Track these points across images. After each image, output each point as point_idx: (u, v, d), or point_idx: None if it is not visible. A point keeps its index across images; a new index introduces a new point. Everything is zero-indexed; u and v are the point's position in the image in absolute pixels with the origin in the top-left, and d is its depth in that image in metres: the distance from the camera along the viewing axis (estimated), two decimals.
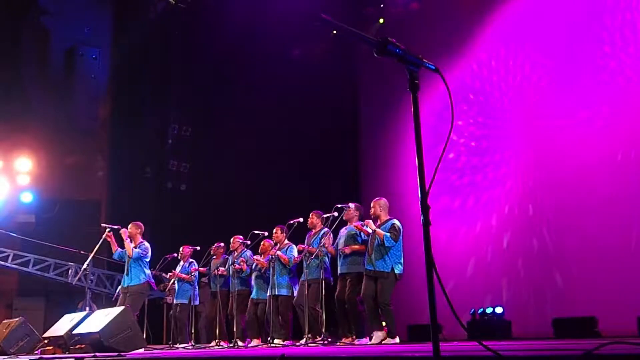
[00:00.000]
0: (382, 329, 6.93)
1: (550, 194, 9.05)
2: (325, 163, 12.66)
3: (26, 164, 12.72)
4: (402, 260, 6.94)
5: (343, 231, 7.50)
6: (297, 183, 12.39)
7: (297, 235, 8.06)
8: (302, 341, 7.33)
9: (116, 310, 7.20)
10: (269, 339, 8.05)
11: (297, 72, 12.41)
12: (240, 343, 8.30)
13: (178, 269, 9.55)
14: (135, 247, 8.53)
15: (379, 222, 7.06)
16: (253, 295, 8.63)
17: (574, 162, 8.72)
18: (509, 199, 9.72)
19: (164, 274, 9.80)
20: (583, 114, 8.67)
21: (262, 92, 12.71)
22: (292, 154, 12.76)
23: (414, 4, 11.77)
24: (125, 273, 8.66)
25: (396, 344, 6.69)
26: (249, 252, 8.86)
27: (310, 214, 7.91)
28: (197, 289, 9.54)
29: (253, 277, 8.69)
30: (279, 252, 8.08)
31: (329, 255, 7.63)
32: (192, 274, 9.35)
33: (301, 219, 7.79)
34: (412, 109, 2.50)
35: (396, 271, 6.86)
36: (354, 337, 7.21)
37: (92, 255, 9.07)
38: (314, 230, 7.88)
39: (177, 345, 9.03)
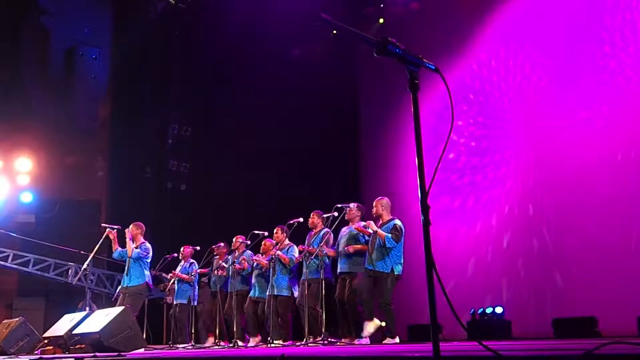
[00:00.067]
0: (372, 319, 6.91)
1: (550, 194, 9.05)
2: (325, 163, 12.66)
3: (26, 164, 12.72)
4: (402, 261, 6.94)
5: (344, 231, 7.50)
6: (297, 183, 12.39)
7: (298, 235, 8.06)
8: (302, 341, 7.33)
9: (116, 310, 7.20)
10: (269, 339, 8.05)
11: (297, 72, 12.41)
12: (240, 343, 8.30)
13: (178, 269, 9.55)
14: (136, 248, 8.53)
15: (380, 222, 7.06)
16: (252, 294, 8.64)
17: (574, 162, 8.71)
18: (509, 199, 9.72)
19: (164, 274, 9.80)
20: (583, 114, 8.67)
21: (262, 92, 12.71)
22: (292, 154, 12.76)
23: (414, 4, 11.77)
24: (125, 273, 8.68)
25: (396, 344, 6.69)
26: (249, 252, 8.88)
27: (311, 214, 7.91)
28: (196, 289, 9.54)
29: (254, 275, 8.70)
30: (279, 252, 8.08)
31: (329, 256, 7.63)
32: (192, 274, 9.35)
33: (301, 219, 7.78)
34: (412, 109, 2.50)
35: (395, 272, 6.86)
36: (354, 336, 7.21)
37: (92, 255, 9.08)
38: (314, 230, 7.88)
39: (177, 345, 9.04)
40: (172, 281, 9.54)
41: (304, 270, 7.64)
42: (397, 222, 6.95)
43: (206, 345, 9.00)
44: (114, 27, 13.79)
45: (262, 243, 8.68)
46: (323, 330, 7.05)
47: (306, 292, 7.39)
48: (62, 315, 8.46)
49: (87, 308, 10.04)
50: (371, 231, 7.00)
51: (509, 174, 9.81)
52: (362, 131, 13.50)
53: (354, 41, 10.97)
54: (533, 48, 9.65)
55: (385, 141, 12.36)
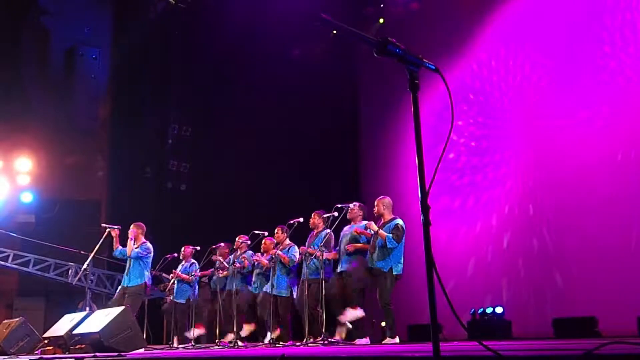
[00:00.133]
0: (355, 308, 6.90)
1: (550, 194, 9.05)
2: (325, 163, 12.67)
3: (26, 164, 12.72)
4: (402, 261, 6.94)
5: (346, 230, 7.49)
6: (297, 183, 12.39)
7: (299, 235, 8.06)
8: (302, 341, 7.32)
9: (116, 310, 7.20)
10: (270, 339, 8.05)
11: (297, 72, 12.42)
12: (240, 343, 8.30)
13: (179, 268, 9.56)
14: (136, 247, 8.54)
15: (382, 221, 7.05)
16: (252, 290, 8.67)
17: (574, 162, 8.72)
18: (509, 199, 9.72)
19: (164, 274, 9.80)
20: (583, 114, 8.67)
21: (262, 92, 12.71)
22: (292, 154, 12.76)
23: (414, 4, 11.77)
24: (125, 273, 8.69)
25: (396, 344, 6.69)
26: (250, 252, 8.88)
27: (312, 214, 7.91)
28: (196, 290, 9.54)
29: (254, 274, 8.71)
30: (279, 252, 8.08)
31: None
32: (193, 274, 9.35)
33: (301, 219, 7.78)
34: (412, 109, 2.50)
35: (394, 272, 6.85)
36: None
37: (92, 255, 9.07)
38: (315, 231, 7.88)
39: (177, 345, 9.04)
40: (172, 281, 9.54)
41: (304, 270, 7.63)
42: (399, 221, 6.93)
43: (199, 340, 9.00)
44: (114, 27, 13.79)
45: (262, 242, 8.68)
46: (323, 330, 7.04)
47: (306, 293, 7.38)
48: (62, 316, 8.46)
49: (87, 308, 10.03)
50: (372, 232, 7.00)
51: (509, 174, 9.81)
52: (362, 131, 13.51)
53: (354, 41, 10.97)
54: (533, 48, 9.65)
55: (385, 141, 12.37)
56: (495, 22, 10.42)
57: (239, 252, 8.92)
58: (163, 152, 13.47)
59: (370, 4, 12.67)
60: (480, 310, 9.28)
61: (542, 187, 9.20)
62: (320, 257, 7.23)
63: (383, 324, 6.99)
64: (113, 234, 8.63)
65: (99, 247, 8.98)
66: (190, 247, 9.61)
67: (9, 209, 12.55)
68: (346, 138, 13.39)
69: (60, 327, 7.94)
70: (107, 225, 8.82)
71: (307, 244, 7.81)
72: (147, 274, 8.65)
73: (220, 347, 8.29)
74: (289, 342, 7.97)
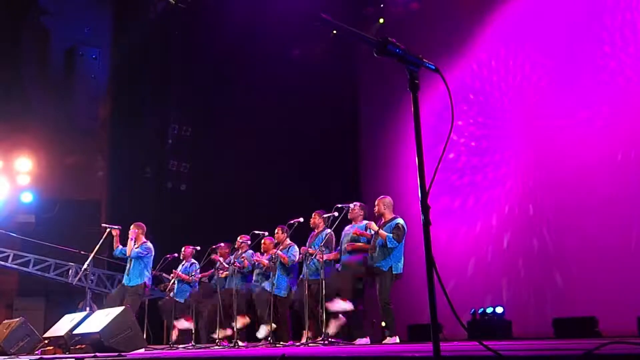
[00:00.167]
0: (345, 300, 6.86)
1: (550, 194, 9.05)
2: (325, 163, 12.67)
3: (26, 164, 12.72)
4: (402, 260, 6.94)
5: (347, 230, 7.49)
6: (297, 183, 12.39)
7: (299, 235, 8.06)
8: (302, 341, 7.33)
9: (116, 310, 7.20)
10: (266, 334, 8.05)
11: (297, 72, 12.42)
12: (240, 343, 8.29)
13: (179, 268, 9.56)
14: (136, 247, 8.55)
15: (383, 221, 7.05)
16: (252, 289, 8.68)
17: (574, 162, 8.72)
18: (509, 199, 9.72)
19: (164, 274, 9.80)
20: (583, 114, 8.67)
21: (262, 92, 12.71)
22: (292, 154, 12.76)
23: (414, 4, 11.77)
24: (125, 273, 8.71)
25: (396, 343, 6.69)
26: (250, 251, 8.88)
27: (313, 214, 7.91)
28: (196, 289, 9.53)
29: (254, 274, 8.71)
30: (279, 252, 8.08)
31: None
32: (193, 274, 9.35)
33: (301, 219, 7.78)
34: (412, 109, 2.50)
35: (394, 271, 6.85)
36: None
37: (92, 255, 9.08)
38: (316, 230, 7.88)
39: (175, 340, 9.06)
40: (172, 281, 9.53)
41: (304, 270, 7.63)
42: (400, 220, 6.93)
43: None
44: (114, 27, 13.79)
45: (262, 242, 8.68)
46: (323, 330, 7.04)
47: (306, 293, 7.38)
48: (63, 316, 8.46)
49: (88, 308, 10.04)
50: (372, 232, 6.99)
51: (509, 174, 9.81)
52: (362, 131, 13.51)
53: (354, 41, 10.97)
54: (533, 48, 9.66)
55: (385, 141, 12.37)
56: (495, 22, 10.42)
57: (240, 252, 8.92)
58: (163, 152, 13.47)
59: (370, 4, 12.67)
60: (480, 310, 9.28)
61: (542, 187, 9.20)
62: (321, 257, 7.23)
63: (383, 324, 6.98)
64: (114, 233, 8.66)
65: (99, 247, 8.99)
66: (191, 247, 9.61)
67: (9, 209, 12.55)
68: (346, 138, 13.39)
69: (61, 327, 7.94)
70: (107, 225, 8.82)
71: (307, 244, 7.81)
72: (147, 274, 8.65)
73: (220, 347, 8.29)
74: (289, 342, 7.97)
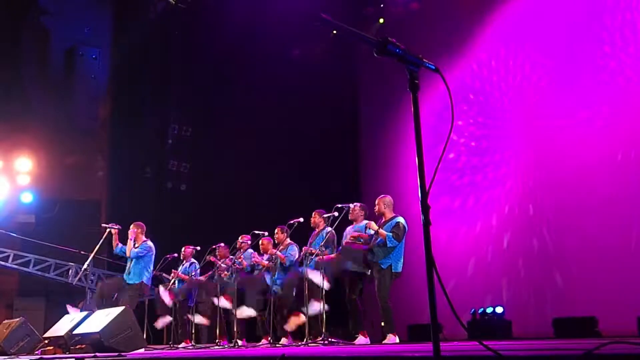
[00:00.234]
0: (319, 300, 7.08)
1: (550, 194, 9.05)
2: (325, 163, 12.67)
3: (26, 164, 12.72)
4: (402, 259, 6.93)
5: (349, 230, 7.49)
6: (297, 183, 12.39)
7: (299, 235, 8.06)
8: (302, 341, 7.33)
9: (116, 310, 7.20)
10: (270, 339, 8.06)
11: (297, 72, 12.42)
12: (240, 343, 8.30)
13: (180, 268, 9.56)
14: (136, 247, 8.55)
15: (383, 220, 7.05)
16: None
17: (574, 162, 8.72)
18: (509, 199, 9.72)
19: (164, 274, 9.80)
20: (583, 114, 8.67)
21: (262, 92, 12.72)
22: (292, 154, 12.76)
23: (414, 4, 11.77)
24: (126, 272, 8.71)
25: (396, 343, 6.69)
26: (250, 251, 8.86)
27: (313, 213, 7.90)
28: (197, 290, 9.52)
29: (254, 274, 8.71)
30: (278, 253, 8.09)
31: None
32: (193, 274, 9.35)
33: (301, 219, 7.78)
34: (412, 109, 2.50)
35: (394, 269, 6.85)
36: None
37: (92, 255, 9.08)
38: (317, 230, 7.87)
39: (177, 345, 9.05)
40: (172, 281, 9.54)
41: (305, 270, 7.61)
42: (400, 219, 6.92)
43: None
44: (114, 27, 13.80)
45: (260, 242, 8.67)
46: (323, 330, 7.05)
47: (306, 293, 7.38)
48: (63, 316, 8.47)
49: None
50: (372, 232, 6.99)
51: (509, 174, 9.81)
52: (362, 131, 13.51)
53: (354, 41, 10.97)
54: (533, 48, 9.66)
55: (385, 141, 12.37)
56: (495, 22, 10.43)
57: (241, 252, 8.91)
58: (163, 152, 13.48)
59: (370, 4, 12.67)
60: (480, 310, 9.28)
61: (542, 187, 9.20)
62: (321, 258, 7.22)
63: (383, 324, 6.98)
64: (112, 231, 8.66)
65: (99, 247, 8.99)
66: (190, 247, 9.60)
67: (9, 209, 12.55)
68: (346, 138, 13.39)
69: (61, 327, 7.94)
70: (107, 225, 8.82)
71: (308, 243, 7.80)
72: (147, 273, 8.64)
73: (220, 347, 8.29)
74: (289, 341, 7.98)
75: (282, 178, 12.50)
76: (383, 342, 6.88)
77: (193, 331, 9.29)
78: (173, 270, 9.58)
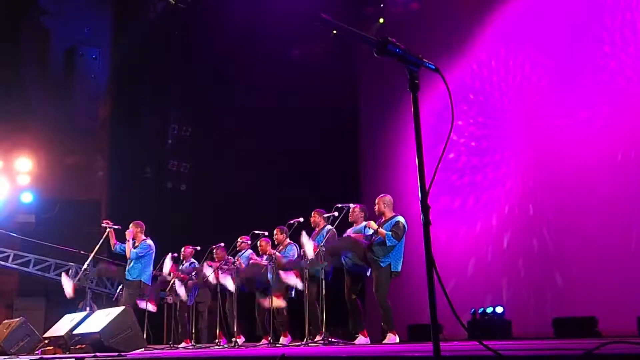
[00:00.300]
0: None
1: (550, 194, 9.05)
2: (325, 163, 12.66)
3: (26, 164, 12.72)
4: (401, 259, 6.93)
5: (349, 232, 7.49)
6: (297, 183, 12.39)
7: (299, 235, 8.04)
8: (302, 341, 7.33)
9: (116, 310, 7.20)
10: (270, 339, 8.06)
11: (297, 72, 12.42)
12: (239, 342, 8.29)
13: (180, 268, 9.56)
14: (135, 247, 8.54)
15: (383, 219, 7.05)
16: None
17: (574, 162, 8.72)
18: (509, 199, 9.72)
19: (164, 275, 9.79)
20: (583, 114, 8.67)
21: (262, 92, 12.72)
22: (292, 154, 12.76)
23: (414, 4, 11.77)
24: (126, 270, 8.71)
25: (396, 343, 6.69)
26: (249, 252, 8.87)
27: (312, 213, 7.90)
28: (197, 290, 9.53)
29: None
30: (277, 253, 8.10)
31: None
32: (193, 275, 9.35)
33: (301, 219, 7.77)
34: (412, 109, 2.50)
35: (392, 268, 6.85)
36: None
37: (92, 255, 9.07)
38: (317, 229, 7.87)
39: (177, 345, 9.05)
40: (172, 281, 9.53)
41: (304, 270, 7.61)
42: (400, 219, 6.92)
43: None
44: (114, 27, 13.79)
45: (258, 244, 8.66)
46: (323, 330, 7.04)
47: (306, 293, 7.38)
48: (63, 316, 8.47)
49: (88, 308, 10.03)
50: (371, 231, 7.00)
51: (509, 174, 9.81)
52: (362, 131, 13.51)
53: (354, 41, 10.97)
54: (533, 48, 9.66)
55: (385, 141, 12.37)
56: (495, 22, 10.43)
57: (241, 252, 8.91)
58: (163, 152, 13.48)
59: (370, 4, 12.68)
60: (480, 310, 9.28)
61: (542, 187, 9.20)
62: (320, 260, 7.22)
63: (383, 324, 6.97)
64: (109, 229, 8.64)
65: (99, 247, 8.98)
66: (190, 247, 9.60)
67: (9, 209, 12.55)
68: (346, 138, 13.39)
69: (61, 327, 7.94)
70: (107, 225, 8.81)
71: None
72: (147, 271, 8.63)
73: (220, 347, 8.29)
74: (288, 341, 7.98)
75: (282, 178, 12.50)
76: (383, 341, 6.88)
77: (193, 331, 9.30)
78: (173, 270, 9.56)
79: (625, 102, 8.16)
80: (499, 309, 9.11)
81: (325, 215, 7.58)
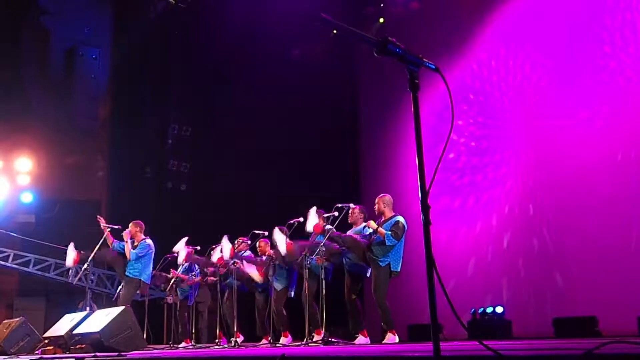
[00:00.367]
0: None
1: (550, 194, 9.05)
2: (325, 163, 12.66)
3: (26, 164, 12.72)
4: (400, 259, 6.93)
5: (349, 233, 7.49)
6: (297, 183, 12.38)
7: (300, 235, 8.04)
8: (302, 341, 7.33)
9: (116, 310, 7.20)
10: (270, 339, 8.07)
11: (297, 72, 12.42)
12: (239, 341, 8.29)
13: (180, 269, 9.56)
14: (135, 247, 8.53)
15: (383, 219, 7.05)
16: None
17: (574, 162, 8.72)
18: (509, 199, 9.72)
19: (164, 274, 9.79)
20: (583, 114, 8.68)
21: (262, 92, 12.72)
22: (292, 154, 12.76)
23: (414, 3, 11.78)
24: (126, 268, 8.71)
25: (396, 343, 6.70)
26: (247, 253, 8.86)
27: None
28: (197, 290, 9.53)
29: None
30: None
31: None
32: (192, 275, 9.35)
33: (301, 219, 7.76)
34: (412, 109, 2.50)
35: (392, 268, 6.84)
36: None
37: (92, 255, 9.06)
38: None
39: (178, 345, 9.05)
40: (172, 281, 9.53)
41: (305, 269, 7.62)
42: (400, 218, 6.92)
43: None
44: (114, 27, 13.80)
45: (257, 244, 8.66)
46: (323, 330, 7.05)
47: (306, 292, 7.39)
48: (63, 315, 8.46)
49: (88, 308, 10.02)
50: (370, 230, 7.00)
51: (509, 174, 9.81)
52: (362, 131, 13.51)
53: (354, 41, 10.97)
54: (533, 48, 9.66)
55: (385, 141, 12.37)
56: (495, 22, 10.43)
57: (239, 253, 8.91)
58: (163, 152, 13.48)
59: (370, 4, 12.68)
60: (480, 310, 9.28)
61: (542, 187, 9.20)
62: (320, 259, 7.23)
63: (382, 325, 6.97)
64: (105, 230, 8.62)
65: (99, 247, 8.98)
66: (190, 247, 9.59)
67: (9, 209, 12.55)
68: (346, 138, 13.39)
69: (61, 327, 7.94)
70: (107, 225, 8.80)
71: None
72: (147, 270, 8.63)
73: (220, 347, 8.29)
74: (288, 340, 7.98)
75: (282, 178, 12.50)
76: (383, 342, 6.88)
77: (193, 331, 9.30)
78: (172, 270, 9.57)
79: (625, 102, 8.16)
80: (499, 309, 9.11)
81: (325, 216, 7.58)
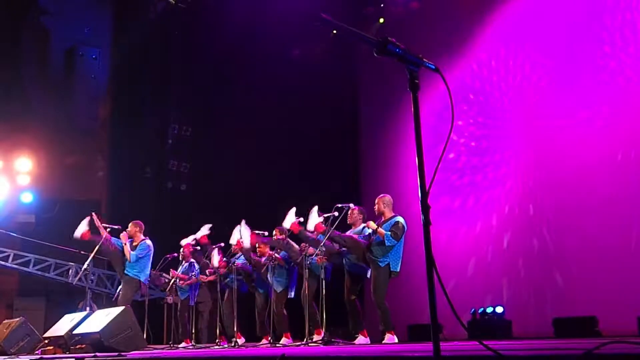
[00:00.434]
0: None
1: (550, 194, 9.05)
2: (325, 163, 12.66)
3: (26, 164, 12.72)
4: (400, 259, 6.93)
5: (348, 234, 7.49)
6: (297, 183, 12.38)
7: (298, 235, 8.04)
8: (302, 341, 7.33)
9: (116, 310, 7.20)
10: (270, 339, 8.07)
11: (297, 72, 12.42)
12: (239, 342, 8.30)
13: (179, 269, 9.56)
14: (134, 249, 8.52)
15: (382, 219, 7.05)
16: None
17: (574, 162, 8.72)
18: (509, 199, 9.72)
19: (164, 274, 9.80)
20: (583, 114, 8.67)
21: (262, 92, 12.71)
22: (292, 154, 12.75)
23: (414, 3, 11.77)
24: (126, 267, 8.71)
25: (395, 343, 6.70)
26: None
27: None
28: (197, 290, 9.53)
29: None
30: (275, 255, 8.10)
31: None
32: (192, 275, 9.35)
33: (301, 219, 7.77)
34: (412, 109, 2.50)
35: (391, 268, 6.84)
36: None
37: (92, 255, 9.06)
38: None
39: (178, 345, 9.05)
40: (172, 281, 9.54)
41: (305, 269, 7.62)
42: (399, 219, 6.92)
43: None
44: (114, 27, 13.80)
45: (257, 245, 8.65)
46: (323, 330, 7.05)
47: (306, 292, 7.39)
48: (63, 315, 8.46)
49: (88, 308, 10.04)
50: (370, 230, 7.00)
51: (509, 174, 9.81)
52: (362, 131, 13.51)
53: (354, 41, 10.97)
54: (533, 48, 9.66)
55: (385, 141, 12.37)
56: (495, 22, 10.43)
57: (238, 255, 8.90)
58: (163, 152, 13.48)
59: (370, 4, 12.68)
60: (480, 310, 9.28)
61: (542, 187, 9.20)
62: (320, 259, 7.23)
63: (381, 326, 6.96)
64: (95, 219, 8.60)
65: (99, 247, 8.97)
66: (190, 247, 9.60)
67: (9, 209, 12.55)
68: (346, 138, 13.39)
69: (61, 327, 7.94)
70: (107, 225, 8.80)
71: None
72: (146, 271, 8.62)
73: (220, 347, 8.29)
74: (288, 341, 7.98)
75: (282, 178, 12.49)
76: (382, 342, 6.88)
77: (193, 331, 9.30)
78: (171, 270, 9.58)
79: (625, 102, 8.16)
80: (499, 309, 9.11)
81: (325, 216, 7.58)
